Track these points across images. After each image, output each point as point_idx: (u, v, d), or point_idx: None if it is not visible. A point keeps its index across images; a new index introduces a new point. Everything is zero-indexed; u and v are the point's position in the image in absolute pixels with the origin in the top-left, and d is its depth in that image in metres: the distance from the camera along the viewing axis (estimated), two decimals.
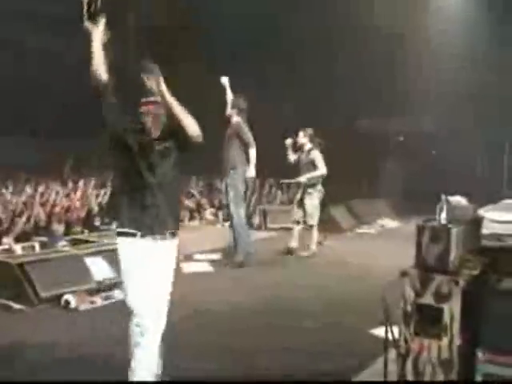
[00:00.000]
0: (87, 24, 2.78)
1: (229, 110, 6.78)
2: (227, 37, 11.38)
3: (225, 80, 7.01)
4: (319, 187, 7.48)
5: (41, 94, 11.21)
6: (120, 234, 2.97)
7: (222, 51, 11.49)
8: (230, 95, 6.95)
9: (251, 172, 6.57)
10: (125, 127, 2.98)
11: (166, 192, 3.00)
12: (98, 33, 2.79)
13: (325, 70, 12.31)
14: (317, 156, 7.42)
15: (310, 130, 7.55)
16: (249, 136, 6.55)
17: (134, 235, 2.91)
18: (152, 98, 3.05)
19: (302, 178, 7.37)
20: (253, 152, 6.50)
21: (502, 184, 11.86)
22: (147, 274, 2.90)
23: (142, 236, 2.91)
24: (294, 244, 7.47)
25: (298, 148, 7.60)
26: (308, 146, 7.48)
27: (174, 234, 3.04)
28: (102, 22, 2.80)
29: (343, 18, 11.54)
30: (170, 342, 3.08)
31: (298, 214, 7.48)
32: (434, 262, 2.85)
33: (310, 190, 7.39)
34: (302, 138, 7.49)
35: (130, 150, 2.96)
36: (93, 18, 2.78)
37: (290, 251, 7.44)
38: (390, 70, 12.13)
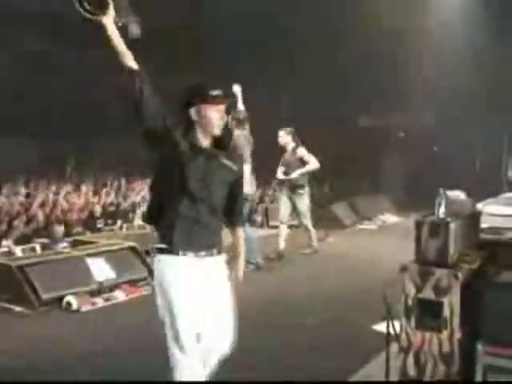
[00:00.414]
0: (93, 18, 2.39)
1: (229, 123, 6.38)
2: (228, 36, 11.35)
3: (237, 88, 6.56)
4: (307, 188, 7.30)
5: (41, 95, 11.21)
6: (160, 250, 2.64)
7: (223, 52, 11.48)
8: (241, 106, 6.57)
9: (246, 189, 6.35)
10: (166, 124, 2.53)
11: (213, 207, 2.66)
12: (109, 21, 2.40)
13: (326, 67, 12.31)
14: (304, 152, 7.19)
15: (289, 129, 7.25)
16: (245, 151, 6.19)
17: (173, 253, 2.59)
18: (221, 92, 2.67)
19: (294, 174, 7.12)
20: (246, 168, 6.00)
21: (502, 179, 11.85)
22: (191, 294, 2.57)
23: (184, 254, 2.59)
24: (282, 246, 7.21)
25: (281, 149, 7.31)
26: (291, 144, 7.21)
27: (219, 252, 2.72)
28: (110, 7, 2.40)
29: (344, 16, 11.53)
30: None
31: (284, 214, 7.28)
32: (433, 257, 2.85)
33: (300, 191, 7.19)
34: (285, 137, 7.20)
35: (174, 152, 2.56)
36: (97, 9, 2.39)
37: (280, 255, 7.13)
38: (390, 66, 12.11)
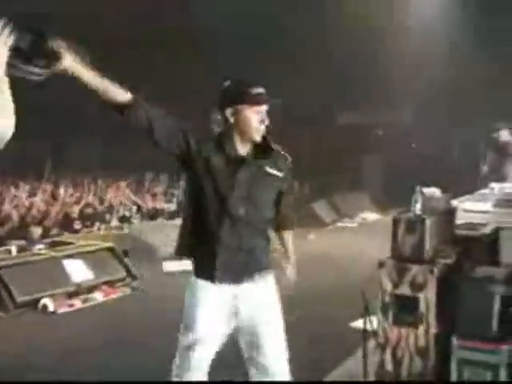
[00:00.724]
0: (50, 71, 1.96)
1: (212, 125, 6.33)
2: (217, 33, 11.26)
3: None
4: None
5: (18, 94, 11.03)
6: (195, 274, 2.34)
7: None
8: None
9: None
10: (187, 141, 2.22)
11: (261, 227, 2.33)
12: (69, 63, 1.99)
13: (305, 66, 12.34)
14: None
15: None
16: None
17: (211, 281, 2.27)
18: (262, 90, 2.27)
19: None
20: None
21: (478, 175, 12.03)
22: (220, 324, 2.28)
23: (221, 283, 2.26)
24: None
25: None
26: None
27: (265, 274, 2.36)
28: (62, 50, 1.97)
29: (323, 13, 11.58)
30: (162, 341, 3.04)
31: None
32: (409, 253, 2.88)
33: None
34: None
35: (204, 171, 2.24)
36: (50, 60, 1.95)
37: None
38: (371, 64, 12.20)
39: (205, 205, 2.25)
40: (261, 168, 2.30)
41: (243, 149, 2.29)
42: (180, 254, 2.39)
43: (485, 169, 8.79)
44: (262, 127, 2.27)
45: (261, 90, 2.26)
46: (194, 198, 2.30)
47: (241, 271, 2.28)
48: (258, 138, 2.28)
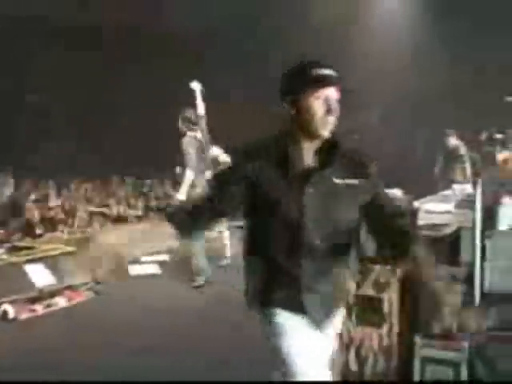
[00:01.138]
0: None
1: (180, 125, 5.81)
2: None
3: (196, 85, 5.91)
4: None
5: None
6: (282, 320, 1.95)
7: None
8: (200, 105, 5.87)
9: (180, 194, 5.63)
10: (247, 188, 1.84)
11: (336, 257, 1.90)
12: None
13: (269, 68, 12.37)
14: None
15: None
16: (188, 158, 5.63)
17: (298, 324, 1.93)
18: (330, 71, 1.80)
19: None
20: (187, 173, 5.63)
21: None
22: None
23: (309, 326, 1.93)
24: (229, 253, 6.54)
25: None
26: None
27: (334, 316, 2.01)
28: None
29: (284, 14, 11.67)
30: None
31: None
32: (372, 253, 2.92)
33: None
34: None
35: (266, 200, 1.84)
36: None
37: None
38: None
39: (273, 240, 1.84)
40: (329, 180, 1.82)
41: (309, 151, 1.84)
42: (257, 306, 1.97)
43: (436, 171, 9.20)
44: (331, 118, 1.79)
45: (327, 70, 1.79)
46: (258, 233, 1.88)
47: (330, 307, 1.96)
48: (325, 132, 1.80)
